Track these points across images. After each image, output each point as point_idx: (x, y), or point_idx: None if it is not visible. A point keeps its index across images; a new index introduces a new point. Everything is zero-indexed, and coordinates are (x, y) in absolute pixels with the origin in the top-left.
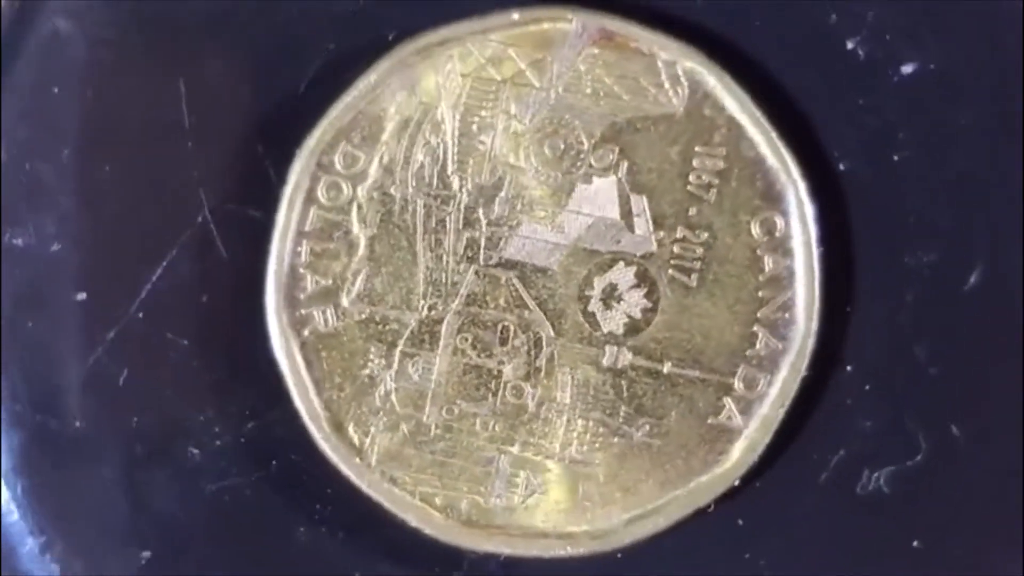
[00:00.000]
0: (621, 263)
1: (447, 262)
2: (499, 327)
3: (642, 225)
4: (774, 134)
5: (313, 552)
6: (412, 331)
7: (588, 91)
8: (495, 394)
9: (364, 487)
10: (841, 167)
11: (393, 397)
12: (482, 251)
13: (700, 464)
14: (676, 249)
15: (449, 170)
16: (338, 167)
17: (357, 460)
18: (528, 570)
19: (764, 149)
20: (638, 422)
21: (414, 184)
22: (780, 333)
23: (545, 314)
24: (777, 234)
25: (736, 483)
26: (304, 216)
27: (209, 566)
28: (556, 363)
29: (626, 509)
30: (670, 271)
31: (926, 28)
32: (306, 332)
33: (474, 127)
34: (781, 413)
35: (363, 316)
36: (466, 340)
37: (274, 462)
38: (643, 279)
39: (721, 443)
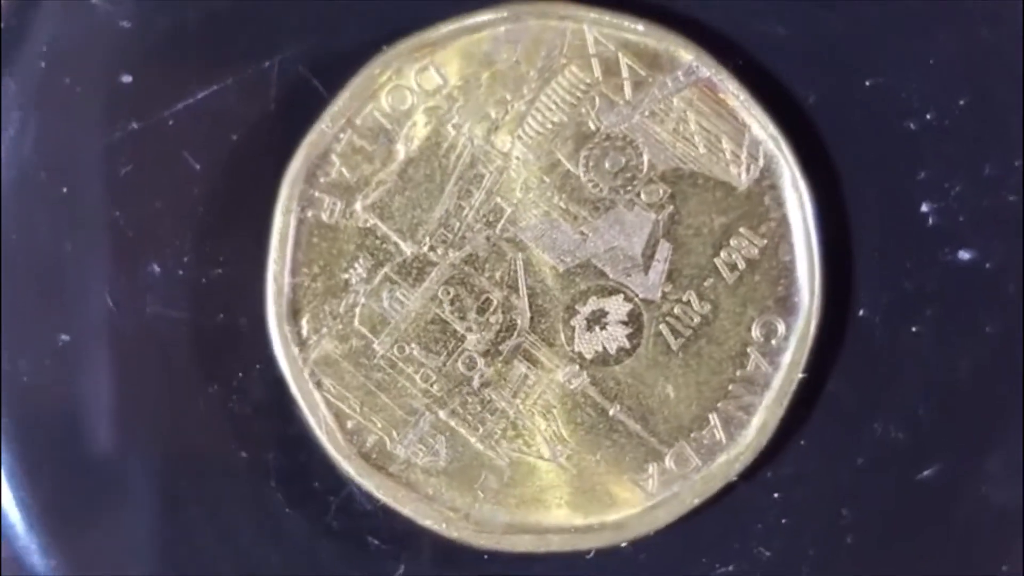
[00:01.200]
0: (621, 296)
1: (466, 215)
2: (483, 297)
3: (656, 271)
4: (816, 247)
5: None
6: (404, 261)
7: (670, 127)
8: (449, 355)
9: (290, 377)
10: (861, 312)
11: (357, 311)
12: (503, 221)
13: (591, 512)
14: (676, 309)
15: (508, 131)
16: (413, 79)
17: (296, 350)
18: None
19: (800, 258)
20: (562, 446)
21: (471, 130)
22: (730, 430)
23: (530, 306)
24: (773, 341)
25: (623, 544)
26: (360, 108)
27: None
28: (517, 355)
29: (508, 513)
30: (661, 325)
31: None
32: (309, 213)
33: (552, 105)
34: (686, 507)
35: (367, 225)
36: (448, 293)
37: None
38: (633, 320)
39: (625, 504)
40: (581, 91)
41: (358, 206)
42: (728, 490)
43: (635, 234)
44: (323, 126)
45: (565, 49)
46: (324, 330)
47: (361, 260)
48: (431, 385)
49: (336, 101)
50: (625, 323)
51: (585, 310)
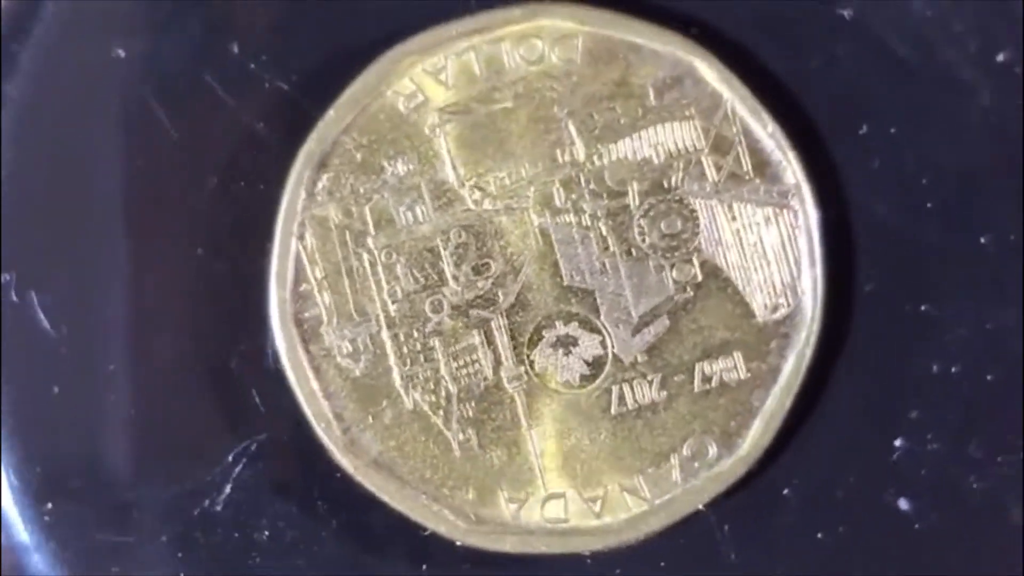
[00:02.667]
0: (599, 338)
1: (520, 179)
2: (485, 260)
3: (643, 339)
4: (783, 419)
5: None
6: (441, 184)
7: (736, 228)
8: (424, 288)
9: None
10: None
11: (376, 197)
12: (546, 207)
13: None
14: (636, 382)
15: (601, 135)
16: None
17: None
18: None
19: (768, 411)
20: (465, 431)
21: (570, 114)
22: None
23: (518, 295)
24: (696, 462)
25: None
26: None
27: None
28: (480, 328)
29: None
30: (615, 386)
31: None
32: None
33: (654, 141)
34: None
35: (433, 132)
36: (459, 236)
37: None
38: (595, 365)
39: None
40: (688, 148)
41: (435, 117)
42: None
43: (645, 296)
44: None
45: (700, 102)
46: (338, 194)
47: (406, 159)
48: (392, 301)
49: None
50: (587, 363)
51: (561, 329)
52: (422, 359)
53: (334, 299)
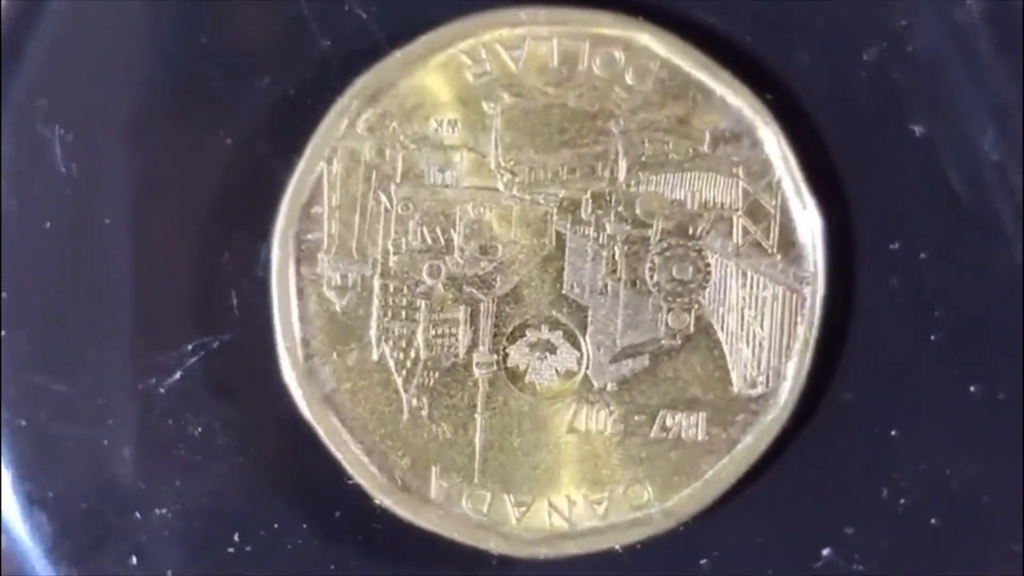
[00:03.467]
0: (577, 355)
1: (545, 171)
2: (495, 242)
3: (618, 370)
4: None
5: None
6: (480, 158)
7: (744, 295)
8: (428, 249)
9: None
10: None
11: (405, 149)
12: (570, 213)
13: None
14: (598, 406)
15: (649, 164)
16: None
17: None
18: None
19: (711, 481)
20: (420, 398)
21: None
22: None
23: (515, 288)
24: (626, 503)
25: None
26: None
27: None
28: (467, 305)
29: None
30: (574, 404)
31: None
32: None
33: (696, 188)
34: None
35: (486, 112)
36: (478, 213)
37: None
38: (564, 377)
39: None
40: (723, 204)
41: (495, 92)
42: None
43: (634, 330)
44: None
45: (751, 165)
46: (379, 133)
47: (454, 122)
48: (394, 252)
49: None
50: (558, 373)
51: (544, 334)
52: (403, 316)
53: (340, 231)
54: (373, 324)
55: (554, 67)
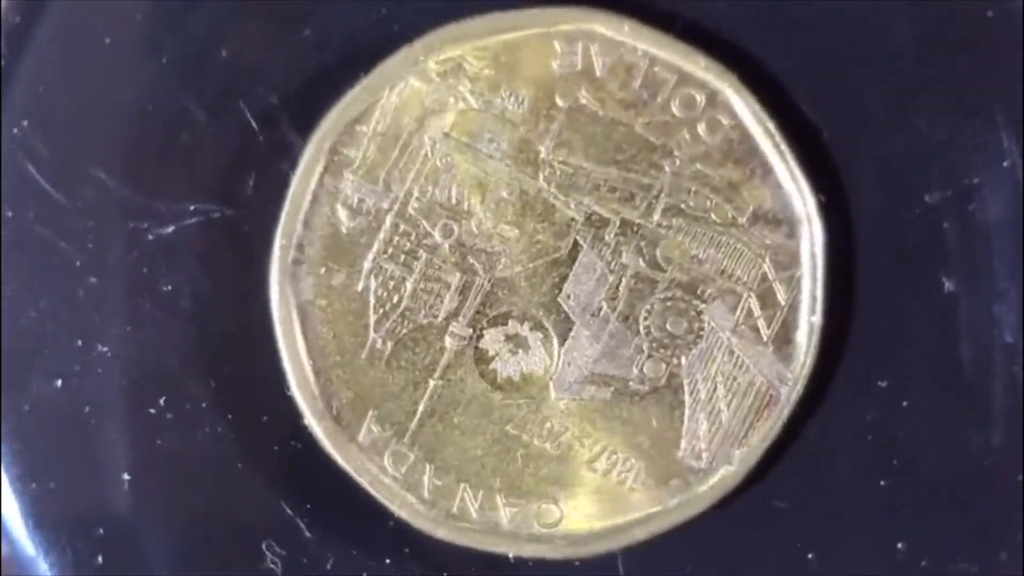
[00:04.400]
0: (546, 364)
1: (587, 180)
2: (515, 228)
3: (573, 393)
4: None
5: None
6: (519, 141)
7: (727, 372)
8: (448, 209)
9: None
10: None
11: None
12: (592, 217)
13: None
14: (544, 420)
15: (679, 212)
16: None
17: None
18: None
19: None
20: (386, 342)
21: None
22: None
23: (516, 273)
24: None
25: None
26: None
27: None
28: (464, 270)
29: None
30: (527, 412)
31: None
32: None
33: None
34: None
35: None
36: (510, 194)
37: None
38: (525, 381)
39: None
40: (740, 278)
41: (573, 88)
42: None
43: (609, 362)
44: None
45: (779, 254)
46: (449, 81)
47: (520, 102)
48: (417, 196)
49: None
50: (521, 370)
51: (524, 330)
52: (401, 260)
53: (375, 157)
54: (370, 256)
55: (636, 88)
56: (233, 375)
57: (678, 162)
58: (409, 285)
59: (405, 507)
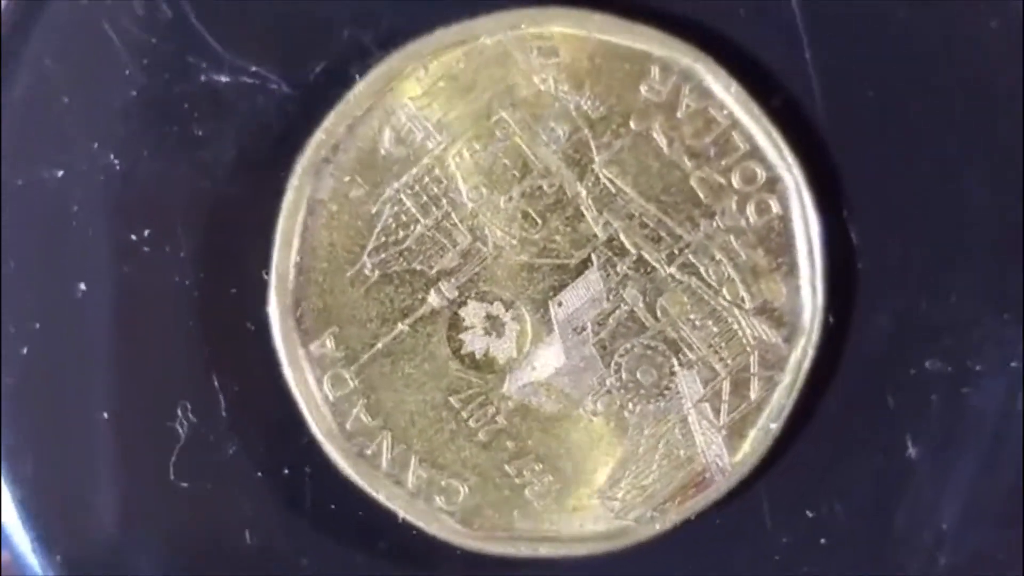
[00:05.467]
0: (511, 357)
1: (625, 206)
2: (541, 216)
3: (524, 396)
4: None
5: None
6: (572, 142)
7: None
8: (489, 175)
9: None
10: None
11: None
12: (612, 243)
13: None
14: (490, 408)
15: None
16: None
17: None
18: None
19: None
20: (375, 271)
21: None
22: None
23: (523, 263)
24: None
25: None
26: None
27: None
28: (476, 237)
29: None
30: (475, 399)
31: None
32: None
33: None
34: None
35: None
36: (550, 188)
37: None
38: (484, 366)
39: None
40: (721, 357)
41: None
42: None
43: (568, 381)
44: None
45: (767, 355)
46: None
47: (606, 101)
48: (467, 150)
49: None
50: (484, 351)
51: (505, 317)
52: (422, 200)
53: (442, 97)
54: (396, 184)
55: (707, 141)
56: (222, 246)
57: (715, 227)
58: (419, 228)
59: (324, 431)
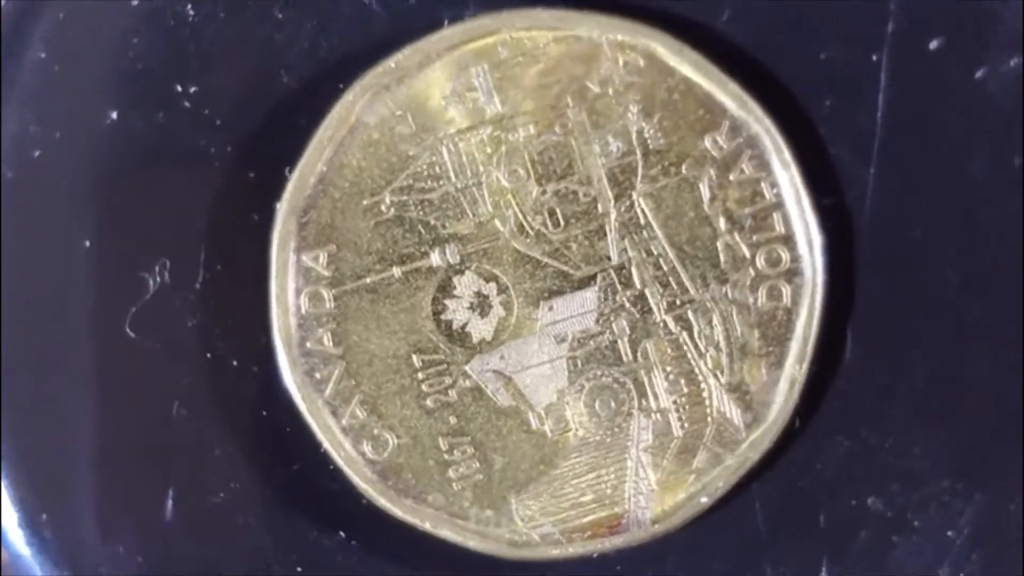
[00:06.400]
0: (486, 337)
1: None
2: (567, 219)
3: (479, 379)
4: None
5: None
6: (633, 170)
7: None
8: (534, 169)
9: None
10: None
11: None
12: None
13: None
14: (455, 382)
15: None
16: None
17: None
18: None
19: None
20: (382, 207)
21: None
22: None
23: (527, 252)
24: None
25: None
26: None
27: None
28: (492, 203)
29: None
30: (441, 374)
31: None
32: None
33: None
34: None
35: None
36: (585, 193)
37: None
38: (459, 338)
39: None
40: (685, 425)
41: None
42: None
43: (529, 379)
44: None
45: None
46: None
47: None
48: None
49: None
50: (461, 324)
51: (495, 300)
52: (460, 159)
53: (518, 73)
54: (444, 135)
55: (747, 212)
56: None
57: (724, 294)
58: (447, 186)
59: (284, 337)
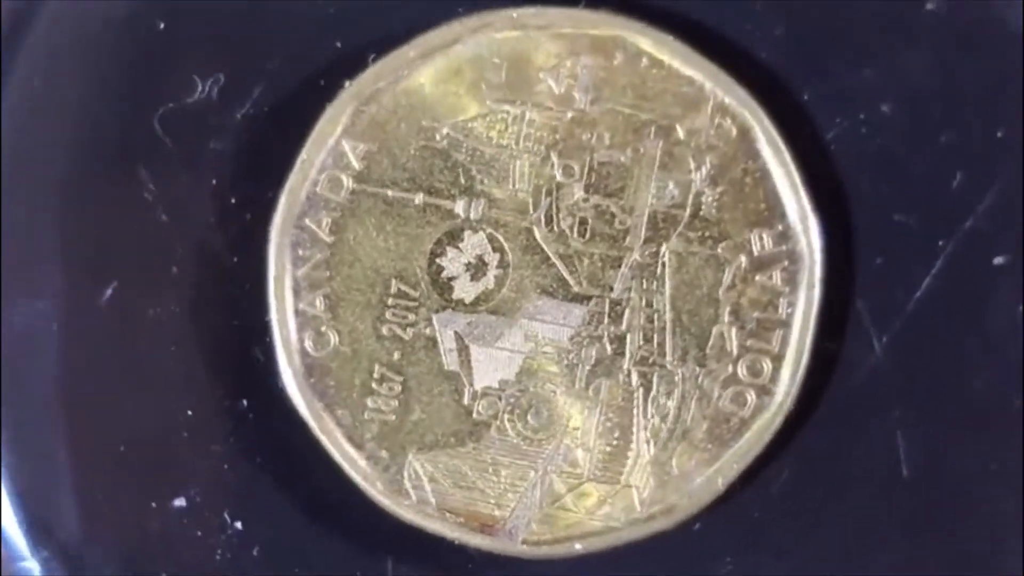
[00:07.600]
0: (470, 295)
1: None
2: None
3: (456, 330)
4: None
5: None
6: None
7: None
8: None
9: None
10: None
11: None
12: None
13: None
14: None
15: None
16: None
17: None
18: None
19: None
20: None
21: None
22: None
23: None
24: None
25: None
26: None
27: None
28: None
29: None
30: (422, 308)
31: None
32: None
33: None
34: None
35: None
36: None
37: None
38: (445, 286)
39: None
40: (595, 455)
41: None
42: None
43: (482, 362)
44: None
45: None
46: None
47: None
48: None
49: None
50: (452, 275)
51: (494, 269)
52: (521, 130)
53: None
54: (517, 98)
55: (755, 316)
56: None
57: (695, 376)
58: (499, 148)
59: (288, 204)
